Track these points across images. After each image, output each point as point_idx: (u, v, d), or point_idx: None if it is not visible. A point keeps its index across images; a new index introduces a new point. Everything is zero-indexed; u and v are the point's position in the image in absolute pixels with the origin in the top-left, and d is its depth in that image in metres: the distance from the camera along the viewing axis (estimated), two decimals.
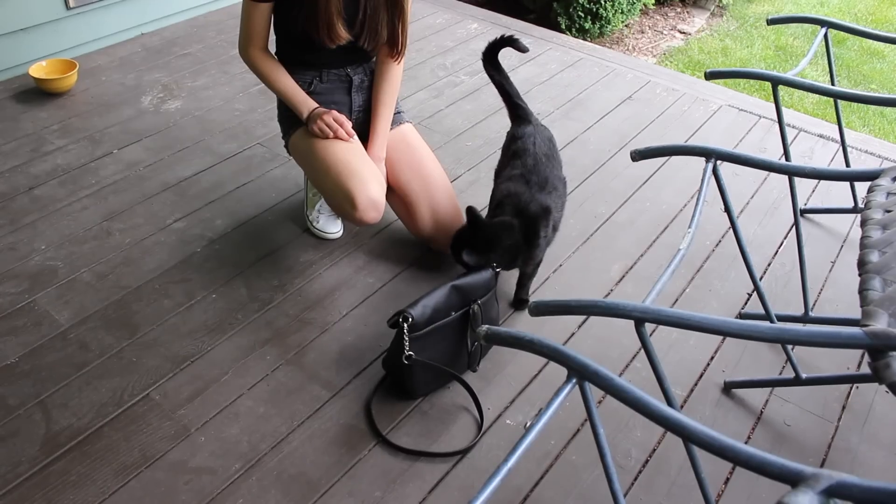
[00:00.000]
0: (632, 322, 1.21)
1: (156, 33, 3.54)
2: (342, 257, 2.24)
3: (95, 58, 3.30)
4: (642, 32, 4.76)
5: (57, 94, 3.01)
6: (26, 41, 3.11)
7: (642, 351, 1.86)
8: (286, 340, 1.95)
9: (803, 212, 2.51)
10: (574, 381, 1.09)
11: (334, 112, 2.03)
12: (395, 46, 2.06)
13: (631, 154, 1.70)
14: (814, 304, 2.13)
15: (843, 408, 1.84)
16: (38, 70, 3.01)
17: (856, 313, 1.32)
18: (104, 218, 2.36)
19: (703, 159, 1.65)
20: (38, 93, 3.01)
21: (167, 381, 1.82)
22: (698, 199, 1.56)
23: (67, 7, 3.16)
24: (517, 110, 2.20)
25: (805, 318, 2.01)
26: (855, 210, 2.47)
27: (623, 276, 2.22)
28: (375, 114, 2.14)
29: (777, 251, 2.34)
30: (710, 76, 2.09)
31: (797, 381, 1.79)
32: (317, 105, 2.05)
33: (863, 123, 3.88)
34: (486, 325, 1.26)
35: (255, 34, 2.01)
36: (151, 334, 1.95)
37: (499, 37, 2.19)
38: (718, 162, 1.65)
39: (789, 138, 2.87)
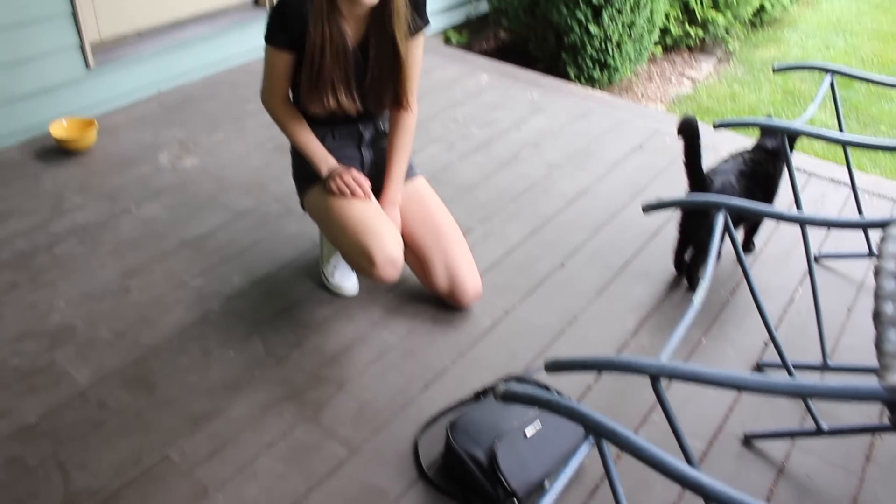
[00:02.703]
0: None
1: (172, 91, 3.62)
2: (358, 312, 2.25)
3: (114, 116, 3.38)
4: (651, 79, 4.82)
5: (76, 153, 3.08)
6: (47, 102, 3.19)
7: None
8: (303, 397, 1.95)
9: (818, 258, 2.51)
10: (591, 438, 1.10)
11: (353, 171, 2.04)
12: (400, 104, 2.09)
13: (642, 207, 1.72)
14: (832, 352, 2.12)
15: (867, 458, 1.82)
16: (58, 129, 3.08)
17: (875, 360, 1.32)
18: (122, 275, 2.39)
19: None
20: (59, 151, 3.08)
21: (185, 440, 1.83)
22: (710, 253, 1.56)
23: (87, 67, 3.25)
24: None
25: (823, 367, 2.00)
26: (870, 254, 2.46)
27: (638, 328, 2.21)
28: (390, 159, 2.15)
29: (793, 299, 2.33)
30: (719, 127, 2.11)
31: (819, 432, 1.77)
32: (336, 163, 2.08)
33: (873, 164, 3.88)
34: (504, 383, 1.26)
35: (278, 83, 2.02)
36: (169, 392, 1.96)
37: None
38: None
39: (800, 183, 2.88)
